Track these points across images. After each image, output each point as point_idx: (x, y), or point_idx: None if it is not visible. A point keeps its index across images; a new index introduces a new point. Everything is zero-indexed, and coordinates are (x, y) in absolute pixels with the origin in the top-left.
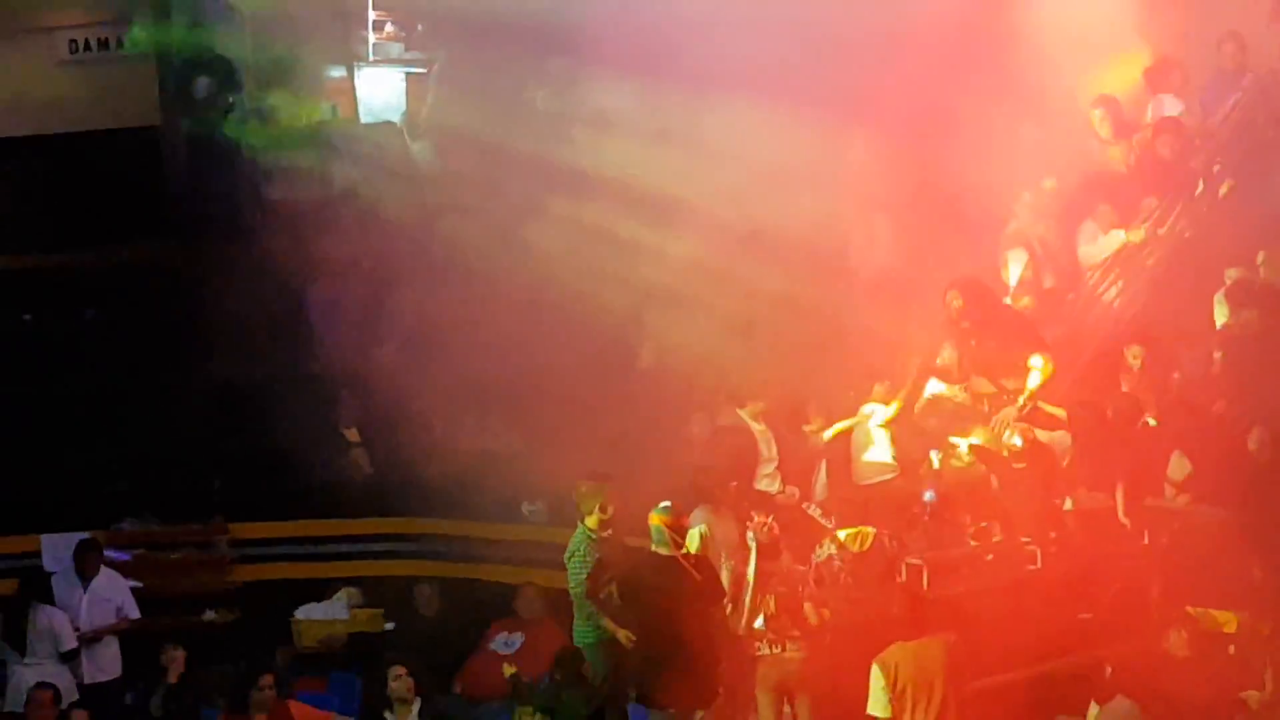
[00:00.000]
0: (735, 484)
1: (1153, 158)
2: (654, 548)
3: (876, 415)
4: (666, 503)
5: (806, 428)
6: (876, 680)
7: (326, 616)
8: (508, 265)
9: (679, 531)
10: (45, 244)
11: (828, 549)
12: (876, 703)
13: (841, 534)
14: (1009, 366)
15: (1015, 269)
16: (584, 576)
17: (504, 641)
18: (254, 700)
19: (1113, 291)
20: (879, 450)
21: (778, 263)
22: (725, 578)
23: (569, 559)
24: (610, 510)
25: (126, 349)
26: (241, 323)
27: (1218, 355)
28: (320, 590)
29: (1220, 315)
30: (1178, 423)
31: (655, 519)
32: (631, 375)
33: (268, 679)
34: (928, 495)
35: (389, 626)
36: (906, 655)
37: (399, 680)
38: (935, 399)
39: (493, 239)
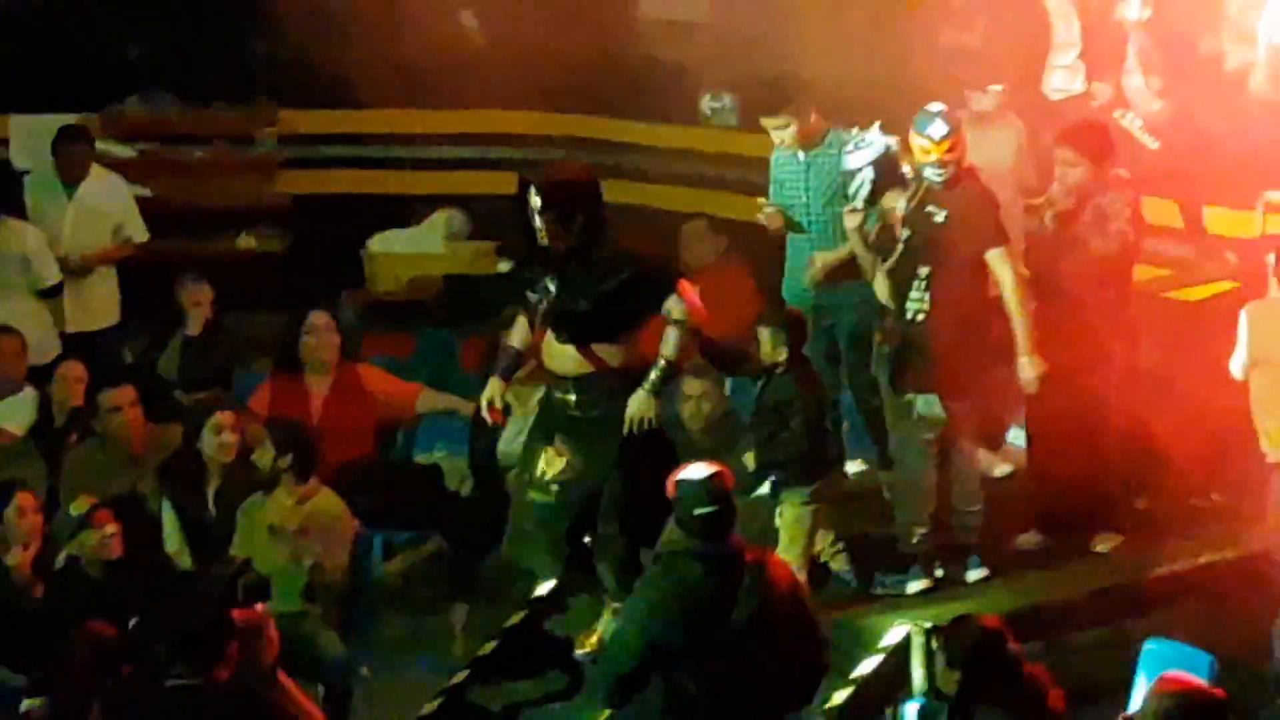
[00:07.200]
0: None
1: None
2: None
3: None
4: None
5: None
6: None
7: (415, 248)
8: None
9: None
10: None
11: None
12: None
13: None
14: None
15: None
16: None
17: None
18: (306, 352)
19: None
20: None
21: None
22: None
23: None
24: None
25: None
26: None
27: None
28: (406, 211)
29: None
30: None
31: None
32: None
33: (319, 319)
34: None
35: (504, 268)
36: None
37: None
38: None
39: None
